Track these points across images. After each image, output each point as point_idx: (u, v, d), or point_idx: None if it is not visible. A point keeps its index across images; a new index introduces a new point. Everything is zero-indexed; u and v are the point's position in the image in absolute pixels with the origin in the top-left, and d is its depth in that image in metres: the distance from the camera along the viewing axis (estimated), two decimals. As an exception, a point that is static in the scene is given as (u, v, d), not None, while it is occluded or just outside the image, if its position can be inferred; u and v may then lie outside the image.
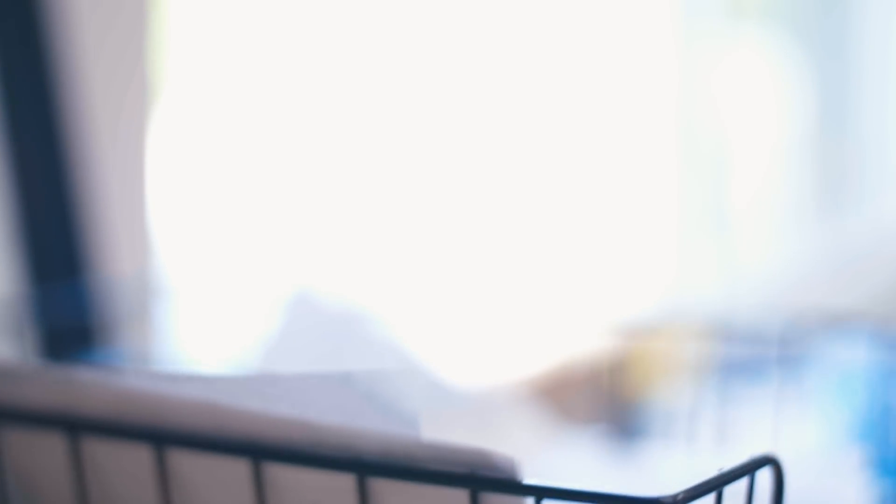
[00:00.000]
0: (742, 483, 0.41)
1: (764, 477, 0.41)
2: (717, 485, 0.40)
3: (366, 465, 0.42)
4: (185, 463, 0.46)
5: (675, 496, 0.38)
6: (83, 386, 0.47)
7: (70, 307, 0.82)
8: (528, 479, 0.40)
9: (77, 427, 0.47)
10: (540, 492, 0.40)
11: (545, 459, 0.62)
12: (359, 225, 1.29)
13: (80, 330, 0.84)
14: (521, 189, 1.47)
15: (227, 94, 1.19)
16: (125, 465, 0.47)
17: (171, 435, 0.45)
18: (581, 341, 0.73)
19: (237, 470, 0.44)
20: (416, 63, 1.36)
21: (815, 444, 0.66)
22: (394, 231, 1.32)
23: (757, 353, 0.67)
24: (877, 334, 0.64)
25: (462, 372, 0.71)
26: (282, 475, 0.44)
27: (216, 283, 0.86)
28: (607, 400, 0.70)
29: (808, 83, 1.91)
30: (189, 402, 0.45)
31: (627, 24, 1.60)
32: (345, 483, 0.42)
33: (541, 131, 1.50)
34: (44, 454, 0.49)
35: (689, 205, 1.72)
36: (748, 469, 0.41)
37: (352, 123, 1.30)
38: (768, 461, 0.41)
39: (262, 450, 0.44)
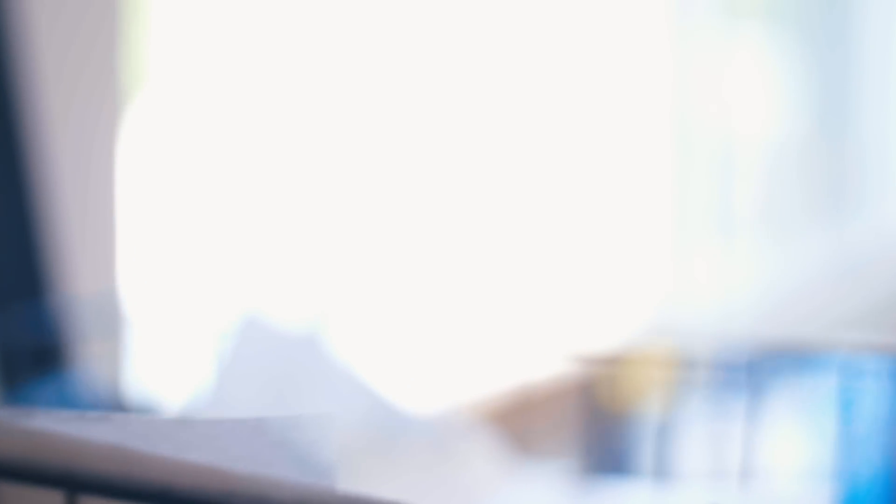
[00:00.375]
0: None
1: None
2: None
3: (281, 517, 0.40)
4: (99, 509, 0.44)
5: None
6: (-7, 428, 0.45)
7: (29, 328, 0.81)
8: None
9: (-14, 472, 0.45)
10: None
11: (504, 494, 0.60)
12: (313, 243, 1.27)
13: (40, 352, 0.82)
14: (507, 192, 1.46)
15: (192, 107, 1.18)
16: (38, 511, 0.45)
17: (83, 481, 0.44)
18: (546, 367, 0.71)
19: (151, 519, 0.43)
20: (382, 64, 1.34)
21: (784, 477, 0.64)
22: (350, 249, 1.30)
23: (725, 382, 0.65)
24: (847, 364, 0.62)
25: (420, 397, 0.69)
26: (196, 525, 0.42)
27: (171, 304, 0.85)
28: (571, 430, 0.69)
29: (806, 83, 1.89)
30: (101, 446, 0.43)
31: (623, 24, 1.59)
32: (260, 536, 0.40)
33: (533, 132, 1.48)
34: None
35: (685, 209, 1.70)
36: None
37: (309, 135, 1.28)
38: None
39: (175, 499, 0.42)
